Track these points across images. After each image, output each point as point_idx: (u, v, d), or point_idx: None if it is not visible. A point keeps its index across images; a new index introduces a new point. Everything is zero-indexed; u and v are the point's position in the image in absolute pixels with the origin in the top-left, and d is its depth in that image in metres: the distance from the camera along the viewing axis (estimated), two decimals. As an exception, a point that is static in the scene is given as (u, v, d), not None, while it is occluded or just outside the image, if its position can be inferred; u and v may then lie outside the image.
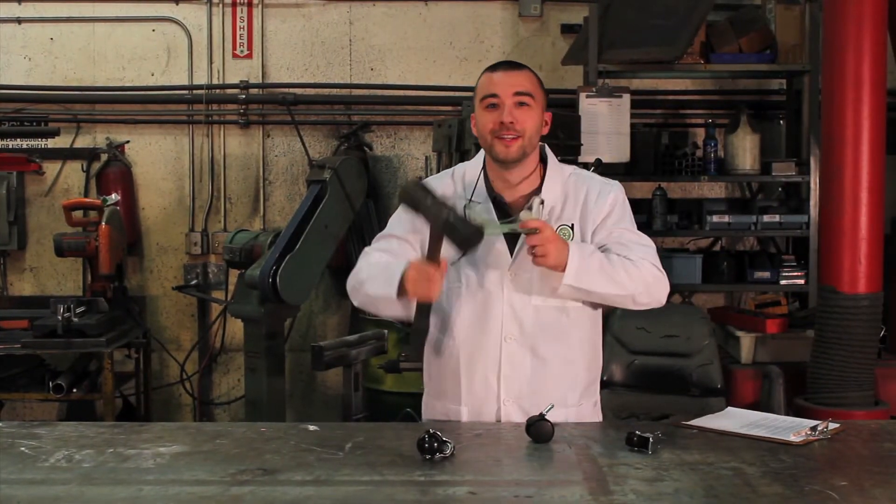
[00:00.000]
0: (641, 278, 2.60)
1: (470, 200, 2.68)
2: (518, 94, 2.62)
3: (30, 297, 5.92)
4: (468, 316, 2.70)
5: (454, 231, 2.46)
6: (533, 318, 2.66)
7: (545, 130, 2.70)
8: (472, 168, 2.78)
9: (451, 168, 2.88)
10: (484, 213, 2.66)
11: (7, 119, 5.97)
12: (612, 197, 2.71)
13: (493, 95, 2.63)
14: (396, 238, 2.74)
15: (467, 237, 2.47)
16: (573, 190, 2.72)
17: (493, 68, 2.70)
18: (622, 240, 2.67)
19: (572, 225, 2.68)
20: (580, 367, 2.74)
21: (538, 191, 2.70)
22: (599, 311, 2.78)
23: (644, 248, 2.68)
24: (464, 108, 5.17)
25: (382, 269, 2.62)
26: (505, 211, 2.69)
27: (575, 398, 2.74)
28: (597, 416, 2.82)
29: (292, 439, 2.47)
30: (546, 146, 2.77)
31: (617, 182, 2.77)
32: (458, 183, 2.76)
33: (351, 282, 2.73)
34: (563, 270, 2.54)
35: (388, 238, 2.77)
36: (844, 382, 4.36)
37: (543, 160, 2.75)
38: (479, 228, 2.48)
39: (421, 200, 2.49)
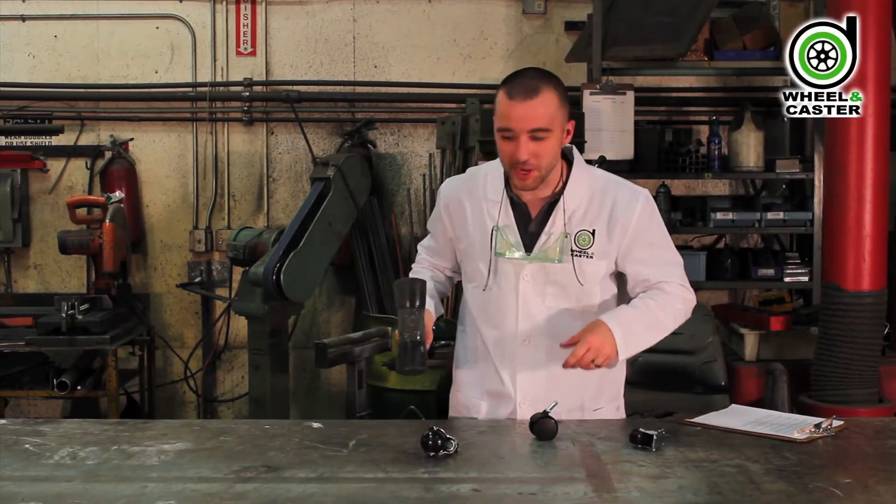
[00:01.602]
0: (674, 312, 2.70)
1: (497, 225, 2.68)
2: (534, 130, 2.53)
3: (34, 294, 5.92)
4: (485, 318, 2.72)
5: (404, 356, 2.52)
6: (548, 322, 2.66)
7: (567, 140, 2.64)
8: (493, 168, 2.76)
9: (475, 168, 2.90)
10: (510, 237, 2.67)
11: (11, 116, 5.97)
12: (640, 206, 2.67)
13: (509, 130, 2.55)
14: (435, 240, 2.90)
15: (409, 370, 2.52)
16: (599, 195, 2.68)
17: (511, 93, 2.55)
18: (651, 261, 2.69)
19: (593, 231, 2.65)
20: (597, 371, 2.69)
21: (559, 194, 2.67)
22: None
23: (671, 267, 2.73)
24: (468, 105, 5.15)
25: None
26: (522, 211, 2.69)
27: (592, 402, 2.74)
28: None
29: (296, 436, 2.48)
30: (574, 148, 2.72)
31: (645, 190, 2.73)
32: (480, 183, 2.75)
33: None
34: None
35: (430, 237, 2.93)
36: (848, 380, 4.35)
37: (569, 160, 2.71)
38: (423, 368, 2.53)
39: (400, 305, 2.54)
